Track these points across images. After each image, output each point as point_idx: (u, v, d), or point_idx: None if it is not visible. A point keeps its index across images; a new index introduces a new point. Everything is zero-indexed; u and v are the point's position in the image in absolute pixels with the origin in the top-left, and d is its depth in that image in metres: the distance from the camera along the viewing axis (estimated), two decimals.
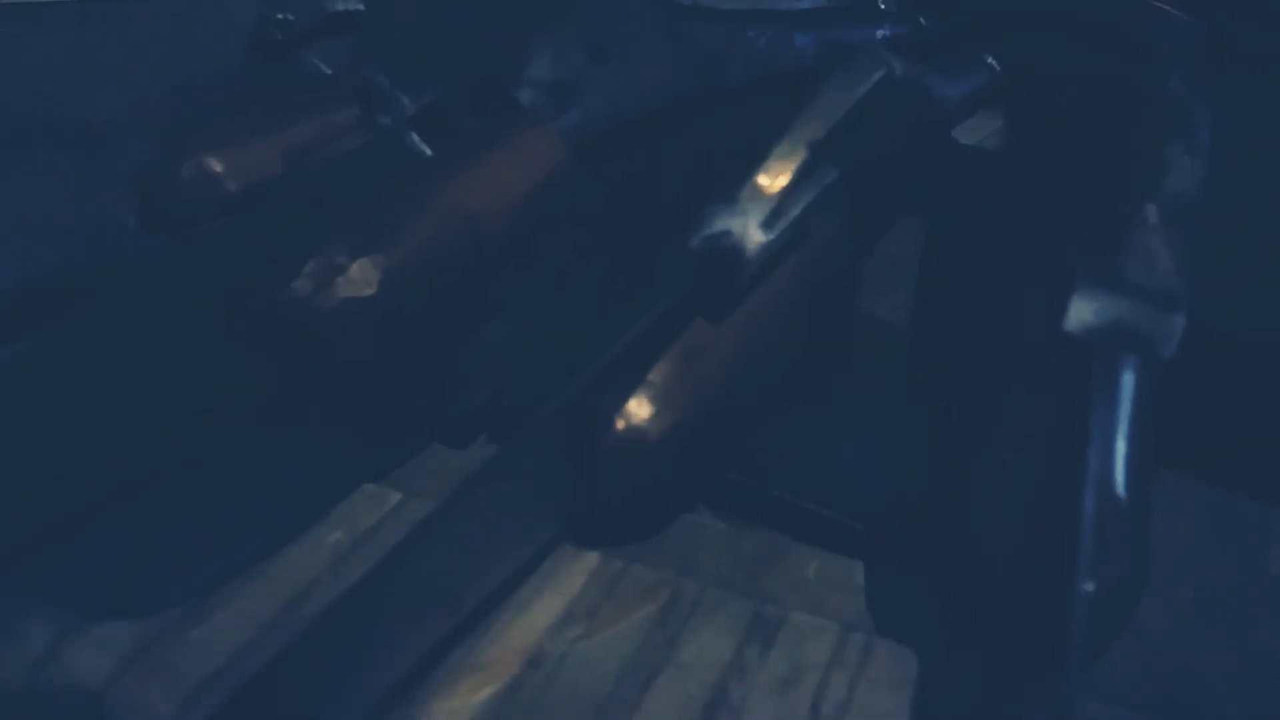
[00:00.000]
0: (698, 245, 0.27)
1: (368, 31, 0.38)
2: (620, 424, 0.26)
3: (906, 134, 0.34)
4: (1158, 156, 0.27)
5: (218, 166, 0.37)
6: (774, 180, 0.27)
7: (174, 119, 0.38)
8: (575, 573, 0.27)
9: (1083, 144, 0.34)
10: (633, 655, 0.25)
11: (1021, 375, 0.26)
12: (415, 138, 0.34)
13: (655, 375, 0.27)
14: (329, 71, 0.43)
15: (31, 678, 0.25)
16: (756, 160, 0.28)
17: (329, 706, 0.23)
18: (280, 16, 0.42)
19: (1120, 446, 0.24)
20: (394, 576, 0.24)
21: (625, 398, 0.26)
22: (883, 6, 0.59)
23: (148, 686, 0.24)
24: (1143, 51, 0.64)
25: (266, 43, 0.42)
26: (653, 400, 0.27)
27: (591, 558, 0.28)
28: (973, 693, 0.24)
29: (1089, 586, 0.22)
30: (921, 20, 0.58)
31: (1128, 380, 0.24)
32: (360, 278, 0.31)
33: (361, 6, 0.44)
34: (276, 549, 0.28)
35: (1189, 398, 0.28)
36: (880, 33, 0.55)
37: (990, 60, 0.50)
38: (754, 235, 0.27)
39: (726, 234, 0.27)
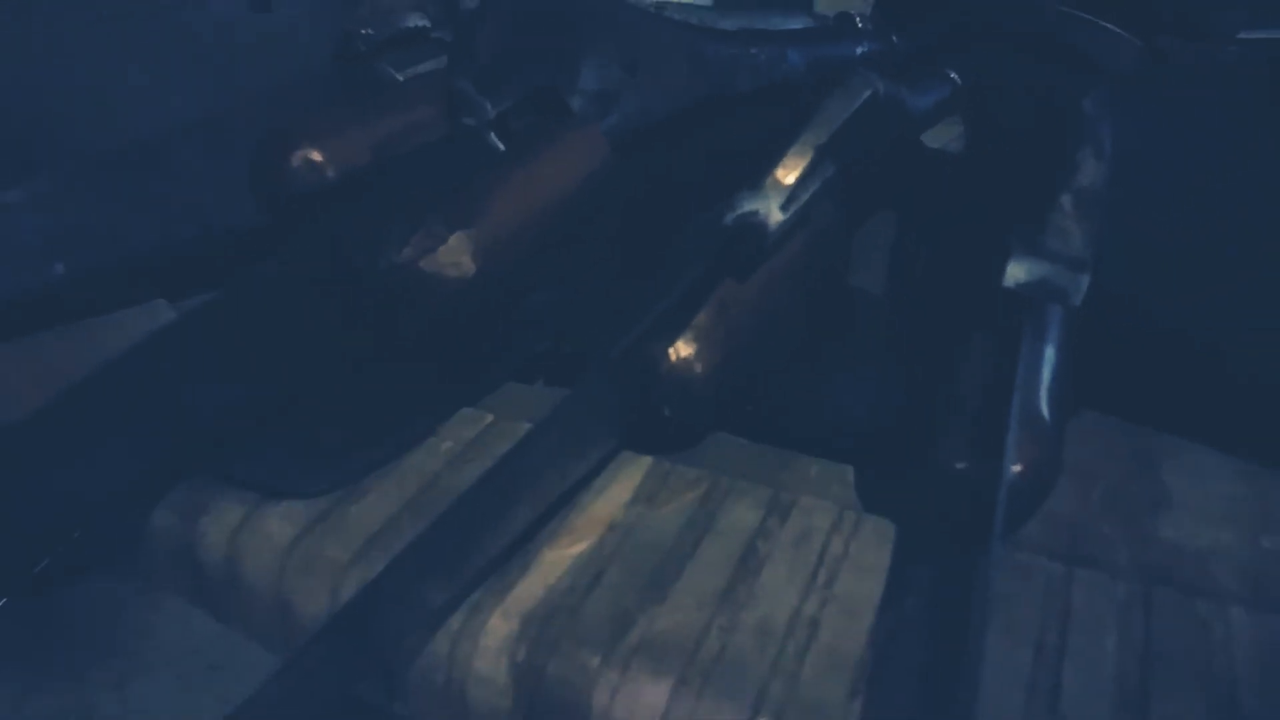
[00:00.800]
0: (731, 221, 0.36)
1: (456, 52, 0.45)
2: (672, 356, 0.34)
3: (887, 139, 0.42)
4: (1072, 159, 0.36)
5: (318, 156, 0.44)
6: (788, 174, 0.36)
7: (280, 116, 0.46)
8: (636, 470, 0.36)
9: (1021, 148, 0.42)
10: (684, 523, 0.33)
11: (971, 322, 0.35)
12: (493, 136, 0.42)
13: (698, 321, 0.35)
14: (400, 77, 0.51)
15: (232, 541, 0.33)
16: (775, 158, 0.36)
17: (465, 559, 0.31)
18: (363, 31, 0.50)
19: (1044, 370, 0.33)
20: (505, 471, 0.32)
21: (675, 338, 0.35)
22: (860, 26, 0.68)
23: (324, 544, 0.32)
24: (1088, 65, 0.73)
25: (350, 53, 0.50)
26: (696, 340, 0.35)
27: (647, 460, 0.36)
28: (931, 546, 0.32)
29: (1014, 468, 0.31)
30: (894, 39, 0.66)
31: (1049, 322, 0.33)
32: (456, 246, 0.38)
33: (428, 23, 0.52)
34: (404, 453, 0.36)
35: (1104, 358, 0.37)
36: (859, 50, 0.63)
37: (953, 75, 0.58)
38: (774, 214, 0.35)
39: (754, 213, 0.35)
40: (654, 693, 0.28)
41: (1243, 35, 0.73)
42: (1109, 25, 0.74)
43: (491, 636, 0.29)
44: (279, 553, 0.32)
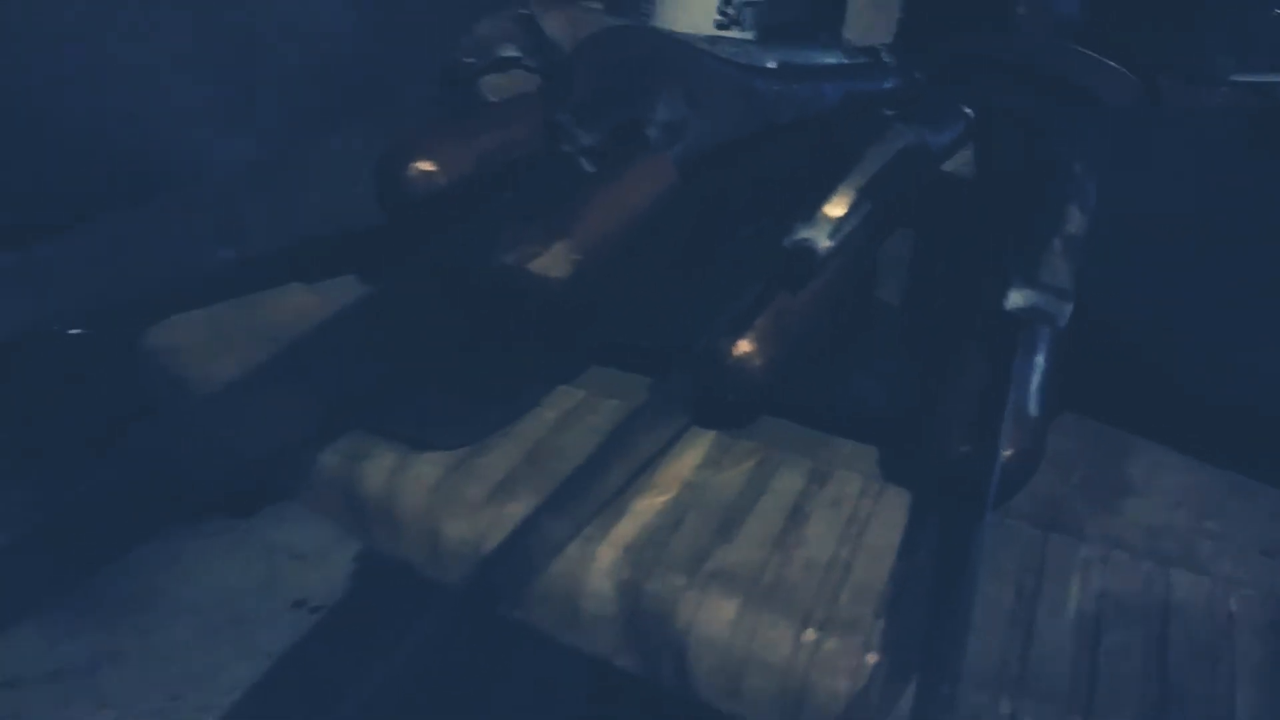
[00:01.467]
0: (789, 245, 0.44)
1: (554, 90, 0.53)
2: (735, 351, 0.42)
3: (915, 178, 0.51)
4: (1062, 211, 0.44)
5: (431, 166, 0.52)
6: (835, 209, 0.45)
7: (397, 133, 0.54)
8: (704, 441, 0.44)
9: (1018, 179, 0.51)
10: (744, 484, 0.42)
11: (975, 334, 0.44)
12: (584, 161, 0.51)
13: (757, 324, 0.43)
14: (495, 100, 0.59)
15: (388, 481, 0.42)
16: (825, 195, 0.45)
17: (579, 503, 0.39)
18: (466, 60, 0.58)
19: (1033, 377, 0.41)
20: (608, 438, 0.41)
21: (738, 337, 0.43)
22: (886, 60, 0.76)
23: (464, 485, 0.41)
24: (1087, 99, 0.81)
25: (456, 77, 0.58)
26: (755, 340, 0.43)
27: (712, 434, 0.45)
28: (939, 511, 0.41)
29: (1005, 453, 0.39)
30: (915, 74, 0.75)
31: (1039, 339, 0.42)
32: (555, 251, 0.46)
33: (519, 54, 0.60)
34: (518, 418, 0.44)
35: (1087, 371, 0.46)
36: (886, 84, 0.72)
37: (967, 110, 0.66)
38: (823, 241, 0.44)
39: (807, 240, 0.44)
40: (726, 608, 0.37)
41: (1234, 78, 0.81)
42: (1109, 61, 0.82)
43: (600, 561, 0.38)
44: (427, 491, 0.41)
